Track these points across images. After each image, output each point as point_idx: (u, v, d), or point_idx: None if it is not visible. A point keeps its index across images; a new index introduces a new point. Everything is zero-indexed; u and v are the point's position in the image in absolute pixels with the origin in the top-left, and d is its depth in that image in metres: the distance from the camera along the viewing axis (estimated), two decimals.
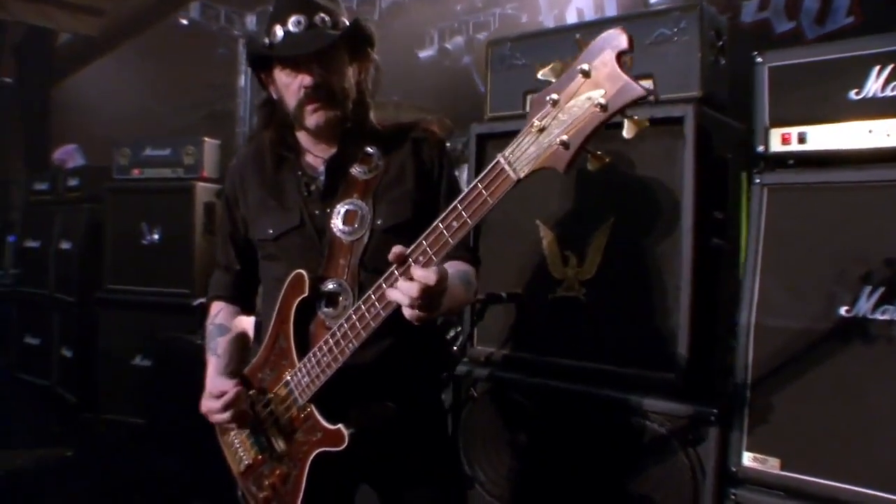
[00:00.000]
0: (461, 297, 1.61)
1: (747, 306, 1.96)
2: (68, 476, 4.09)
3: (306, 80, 1.63)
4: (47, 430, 4.74)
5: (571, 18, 4.89)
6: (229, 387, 1.70)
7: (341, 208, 1.68)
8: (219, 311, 1.91)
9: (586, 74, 1.10)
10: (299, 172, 1.75)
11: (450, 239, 1.30)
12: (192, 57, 6.49)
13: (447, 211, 1.29)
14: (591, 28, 2.43)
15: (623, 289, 2.25)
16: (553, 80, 1.15)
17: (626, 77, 1.08)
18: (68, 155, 6.01)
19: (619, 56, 1.08)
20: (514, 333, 2.51)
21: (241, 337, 1.89)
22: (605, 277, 2.29)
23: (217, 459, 1.90)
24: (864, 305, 1.78)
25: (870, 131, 1.84)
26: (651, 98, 1.10)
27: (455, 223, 1.29)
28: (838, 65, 1.88)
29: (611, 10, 4.69)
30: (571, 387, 2.28)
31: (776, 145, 1.98)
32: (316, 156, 1.75)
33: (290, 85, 1.66)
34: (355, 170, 1.71)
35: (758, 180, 1.99)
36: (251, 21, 6.53)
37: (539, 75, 1.16)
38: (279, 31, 1.63)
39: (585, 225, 2.33)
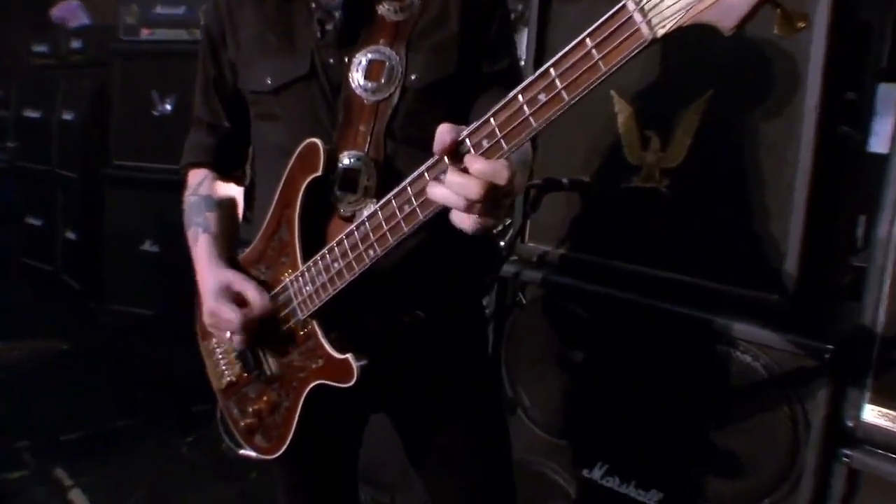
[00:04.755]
0: (522, 187, 1.22)
1: (889, 215, 1.51)
2: (69, 370, 3.89)
3: None
4: (50, 319, 4.54)
5: None
6: (259, 303, 1.30)
7: (363, 57, 1.28)
8: (202, 179, 1.50)
9: None
10: (312, 5, 1.31)
11: (532, 120, 0.87)
12: None
13: (533, 78, 0.86)
14: None
15: (717, 182, 1.80)
16: None
17: None
18: (70, 12, 5.37)
19: None
20: (576, 230, 2.09)
21: (231, 210, 1.51)
22: (696, 166, 1.82)
23: None
24: None
25: None
26: None
27: (542, 96, 0.85)
28: None
29: None
30: (643, 300, 1.88)
31: None
32: None
33: None
34: (383, 7, 1.29)
35: None
36: None
37: None
38: None
39: (674, 99, 1.84)
